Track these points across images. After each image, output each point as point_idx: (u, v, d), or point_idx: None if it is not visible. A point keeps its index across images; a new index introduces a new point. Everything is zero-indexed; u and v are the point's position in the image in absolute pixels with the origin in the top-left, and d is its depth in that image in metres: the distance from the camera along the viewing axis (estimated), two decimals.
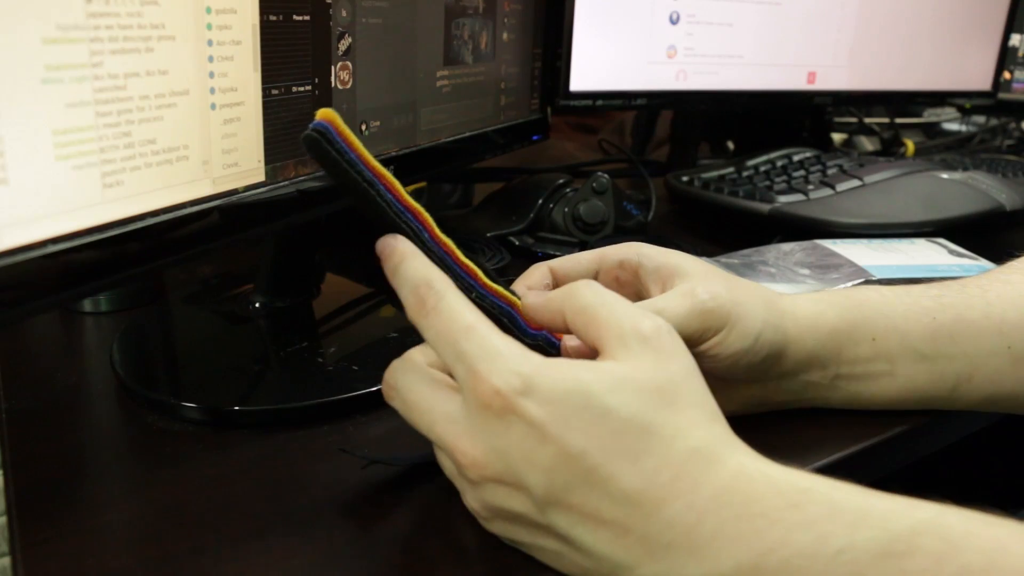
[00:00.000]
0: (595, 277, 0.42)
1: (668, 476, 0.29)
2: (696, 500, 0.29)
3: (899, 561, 0.26)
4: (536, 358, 0.31)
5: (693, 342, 0.39)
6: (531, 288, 0.41)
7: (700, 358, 0.39)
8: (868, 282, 0.57)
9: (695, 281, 0.39)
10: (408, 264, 0.34)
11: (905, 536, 0.27)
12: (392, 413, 0.45)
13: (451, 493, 0.37)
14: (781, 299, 0.42)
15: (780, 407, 0.44)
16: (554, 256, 0.70)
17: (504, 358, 0.31)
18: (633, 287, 0.42)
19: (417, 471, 0.39)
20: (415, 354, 0.36)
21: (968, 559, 0.26)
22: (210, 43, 0.37)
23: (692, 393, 0.32)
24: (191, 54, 0.36)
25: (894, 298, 0.44)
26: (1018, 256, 0.48)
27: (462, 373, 0.31)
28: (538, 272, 0.42)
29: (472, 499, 0.33)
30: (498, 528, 0.33)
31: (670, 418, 0.30)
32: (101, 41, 0.31)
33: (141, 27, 0.33)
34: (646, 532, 0.29)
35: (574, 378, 0.30)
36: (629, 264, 0.42)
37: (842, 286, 0.57)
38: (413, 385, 0.34)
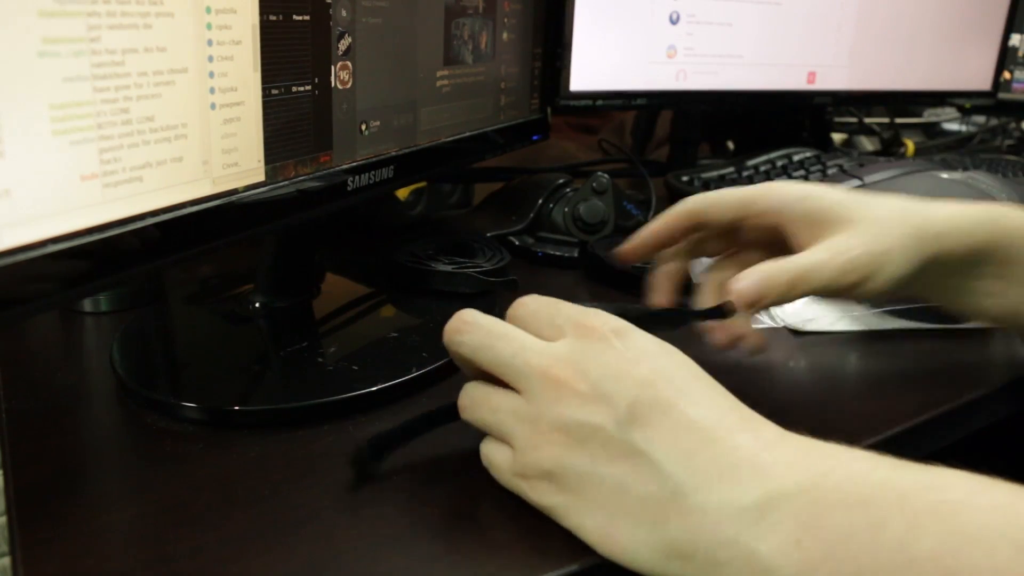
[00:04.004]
0: (741, 226, 0.45)
1: (738, 417, 0.33)
2: (761, 435, 0.32)
3: (939, 493, 0.28)
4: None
5: (841, 292, 0.42)
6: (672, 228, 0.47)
7: (847, 294, 0.42)
8: None
9: (845, 233, 0.42)
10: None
11: (941, 476, 0.29)
12: (392, 414, 0.45)
13: (454, 493, 0.37)
14: (933, 223, 0.43)
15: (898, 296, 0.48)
16: (554, 256, 0.70)
17: (601, 312, 0.36)
18: (776, 236, 0.45)
19: (419, 473, 0.39)
20: None
21: (996, 494, 0.28)
22: (210, 43, 0.37)
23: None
24: (190, 31, 0.36)
25: None
26: None
27: (564, 323, 0.35)
28: (684, 210, 0.46)
29: (549, 417, 0.34)
30: (560, 455, 0.33)
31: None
32: (99, 15, 0.31)
33: (139, 2, 0.33)
34: (716, 453, 0.31)
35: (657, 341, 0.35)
36: (771, 213, 0.44)
37: None
38: (498, 321, 0.37)
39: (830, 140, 1.15)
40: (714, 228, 0.47)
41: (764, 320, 0.58)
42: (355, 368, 0.47)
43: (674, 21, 0.83)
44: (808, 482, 0.30)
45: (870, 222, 0.42)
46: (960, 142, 1.29)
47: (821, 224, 0.42)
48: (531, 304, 0.37)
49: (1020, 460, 0.73)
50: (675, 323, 0.43)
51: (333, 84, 0.45)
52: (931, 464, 0.30)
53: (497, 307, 0.59)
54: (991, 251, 0.44)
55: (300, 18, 0.42)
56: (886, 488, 0.29)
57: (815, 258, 0.41)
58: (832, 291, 0.41)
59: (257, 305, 0.55)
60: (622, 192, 0.78)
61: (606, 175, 0.74)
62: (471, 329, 0.36)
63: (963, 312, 0.47)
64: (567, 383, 0.33)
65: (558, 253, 0.71)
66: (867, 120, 1.24)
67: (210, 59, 0.37)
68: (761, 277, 0.40)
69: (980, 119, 1.35)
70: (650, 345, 0.35)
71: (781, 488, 0.30)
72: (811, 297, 0.56)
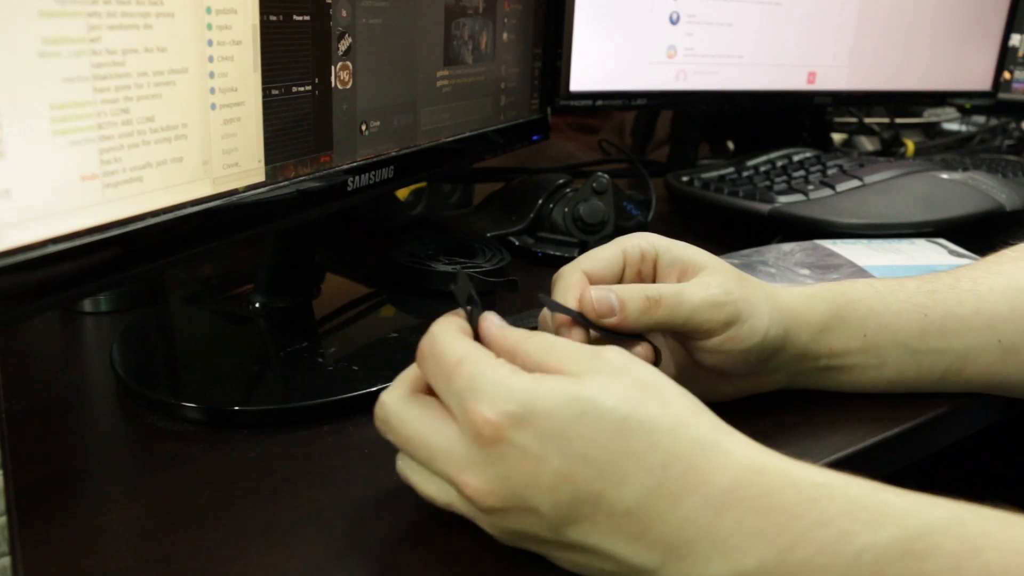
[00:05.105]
0: (621, 274, 0.42)
1: (678, 470, 0.29)
2: (711, 492, 0.29)
3: (920, 562, 0.27)
4: (525, 379, 0.31)
5: (705, 334, 0.40)
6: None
7: (712, 353, 0.40)
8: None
9: (710, 275, 0.40)
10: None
11: (925, 535, 0.27)
12: None
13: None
14: (780, 294, 0.43)
15: (766, 390, 0.45)
16: (554, 256, 0.70)
17: (492, 386, 0.30)
18: (649, 279, 0.42)
19: None
20: (403, 382, 0.35)
21: (987, 558, 0.26)
22: (210, 43, 0.37)
23: (675, 388, 0.32)
24: (190, 32, 0.36)
25: (888, 294, 0.45)
26: (1011, 244, 0.49)
27: (455, 407, 0.31)
28: (575, 278, 0.40)
29: (486, 525, 0.32)
30: (518, 544, 0.33)
31: (666, 411, 0.30)
32: (99, 16, 0.31)
33: (139, 3, 0.33)
34: (664, 531, 0.29)
35: (564, 387, 0.30)
36: (649, 257, 0.42)
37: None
38: (406, 420, 0.33)
39: (830, 140, 1.15)
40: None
41: None
42: (355, 368, 0.47)
43: (674, 21, 0.83)
44: (773, 559, 0.28)
45: (733, 273, 0.41)
46: (960, 142, 1.30)
47: (685, 270, 0.41)
48: (432, 348, 0.33)
49: (1020, 460, 0.73)
50: None
51: (333, 84, 0.45)
52: (920, 493, 0.29)
53: (497, 307, 0.59)
54: (840, 320, 0.43)
55: (300, 18, 0.42)
56: (861, 563, 0.27)
57: (683, 286, 0.39)
58: (702, 327, 0.39)
59: (257, 305, 0.55)
60: (622, 192, 0.78)
61: (606, 175, 0.74)
62: (387, 430, 0.34)
63: (853, 387, 0.45)
64: (484, 497, 0.30)
65: (558, 253, 0.71)
66: (867, 120, 1.24)
67: (210, 59, 0.37)
68: (619, 288, 0.38)
69: (980, 119, 1.35)
70: (552, 418, 0.30)
71: (743, 568, 0.28)
72: None
